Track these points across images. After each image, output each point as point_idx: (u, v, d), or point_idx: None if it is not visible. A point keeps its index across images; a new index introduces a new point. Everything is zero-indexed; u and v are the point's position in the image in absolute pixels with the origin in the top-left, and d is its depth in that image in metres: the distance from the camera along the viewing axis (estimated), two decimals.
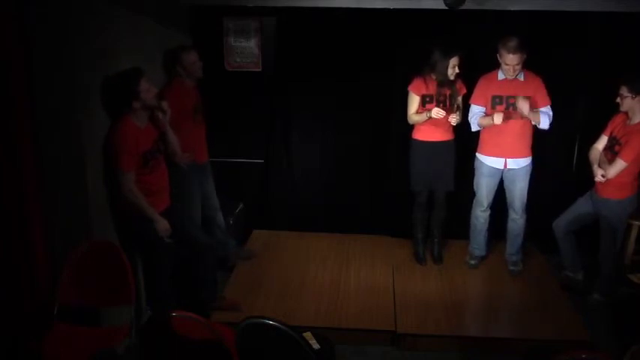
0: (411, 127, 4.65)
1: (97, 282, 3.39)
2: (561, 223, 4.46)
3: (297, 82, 5.14)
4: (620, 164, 4.04)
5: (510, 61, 4.20)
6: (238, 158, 5.35)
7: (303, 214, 5.45)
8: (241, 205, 5.22)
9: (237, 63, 5.17)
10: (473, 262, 4.88)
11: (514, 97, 4.33)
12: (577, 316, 4.19)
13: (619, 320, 4.20)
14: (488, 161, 4.55)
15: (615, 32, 4.66)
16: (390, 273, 4.78)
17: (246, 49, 5.13)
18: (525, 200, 4.58)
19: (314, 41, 5.00)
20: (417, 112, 4.51)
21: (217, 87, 4.96)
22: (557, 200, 4.69)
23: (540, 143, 4.55)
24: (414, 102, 4.52)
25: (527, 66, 4.33)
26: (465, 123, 4.53)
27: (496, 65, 4.36)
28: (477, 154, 4.62)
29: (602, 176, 4.10)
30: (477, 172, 4.65)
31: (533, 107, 4.32)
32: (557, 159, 4.89)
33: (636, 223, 4.61)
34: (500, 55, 4.26)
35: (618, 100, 4.05)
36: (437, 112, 4.30)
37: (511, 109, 4.36)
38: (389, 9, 4.52)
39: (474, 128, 4.54)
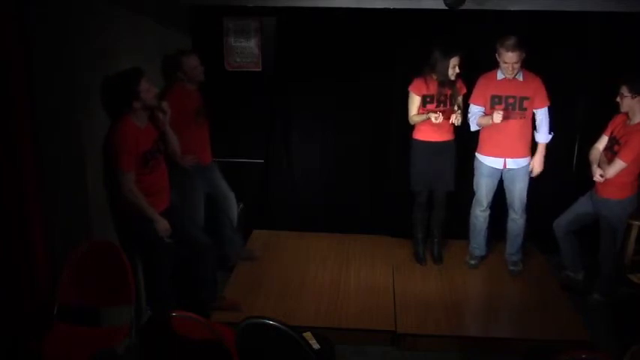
0: (411, 127, 4.65)
1: (97, 282, 3.39)
2: (562, 223, 4.46)
3: (297, 82, 5.14)
4: (619, 164, 4.04)
5: (509, 59, 4.20)
6: (238, 158, 5.35)
7: (303, 214, 5.45)
8: (241, 205, 5.22)
9: (237, 63, 5.17)
10: (473, 262, 4.88)
11: (513, 97, 4.34)
12: (577, 316, 4.19)
13: (619, 320, 4.20)
14: (488, 161, 4.55)
15: (615, 32, 4.66)
16: (390, 273, 4.78)
17: (246, 49, 5.13)
18: (525, 200, 4.58)
19: (314, 41, 5.00)
20: (418, 113, 4.51)
21: (217, 87, 4.96)
22: (557, 200, 4.69)
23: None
24: (414, 102, 4.52)
25: (526, 66, 4.33)
26: (465, 123, 4.53)
27: (496, 65, 4.36)
28: (477, 154, 4.62)
29: (601, 176, 4.11)
30: (476, 172, 4.66)
31: (532, 108, 4.34)
32: (557, 159, 4.89)
33: (636, 223, 4.61)
34: (498, 54, 4.26)
35: (618, 99, 4.05)
36: (435, 118, 4.30)
37: (510, 108, 4.36)
38: (389, 9, 4.52)
39: (473, 128, 4.54)
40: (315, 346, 2.94)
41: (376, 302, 4.35)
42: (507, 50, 4.18)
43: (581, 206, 4.40)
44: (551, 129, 4.43)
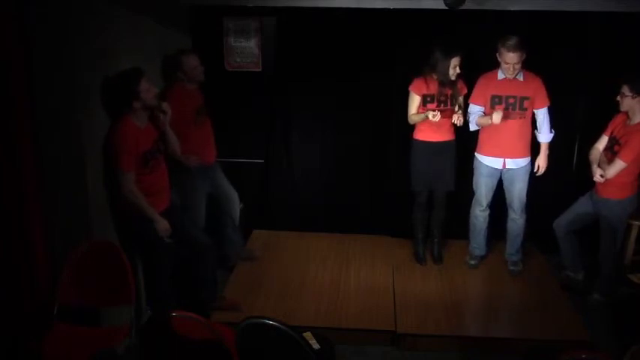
0: (411, 127, 4.65)
1: (97, 282, 3.39)
2: (562, 223, 4.46)
3: (297, 82, 5.14)
4: (619, 164, 4.04)
5: (510, 60, 4.20)
6: (238, 158, 5.34)
7: (303, 214, 5.45)
8: (241, 205, 5.22)
9: (237, 63, 5.17)
10: (473, 262, 4.88)
11: (514, 97, 4.34)
12: (577, 316, 4.19)
13: (619, 320, 4.20)
14: (487, 161, 4.55)
15: (615, 32, 4.66)
16: (390, 273, 4.78)
17: (246, 49, 5.13)
18: (525, 200, 4.58)
19: (314, 41, 5.00)
20: (418, 112, 4.51)
21: (217, 87, 4.95)
22: (557, 200, 4.69)
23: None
24: (414, 102, 4.52)
25: (527, 66, 4.33)
26: (465, 123, 4.53)
27: (496, 65, 4.36)
28: (476, 154, 4.62)
29: (601, 176, 4.11)
30: (475, 172, 4.66)
31: (532, 108, 4.34)
32: (557, 159, 4.88)
33: (636, 223, 4.61)
34: (499, 54, 4.26)
35: (619, 98, 4.05)
36: (433, 116, 4.29)
37: (510, 109, 4.36)
38: (389, 9, 4.52)
39: (473, 128, 4.54)
40: (315, 346, 2.94)
41: (376, 302, 4.35)
42: (509, 50, 4.18)
43: (581, 206, 4.40)
44: (552, 128, 4.43)
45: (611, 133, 4.20)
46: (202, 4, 4.75)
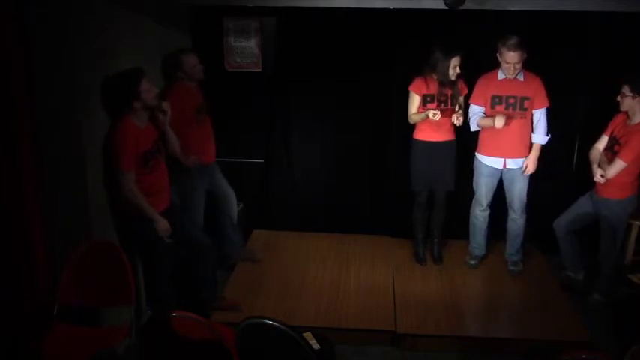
0: (411, 127, 4.65)
1: (97, 282, 3.39)
2: (562, 223, 4.46)
3: (297, 82, 5.14)
4: (619, 164, 4.04)
5: (510, 59, 4.20)
6: (238, 158, 5.35)
7: (303, 214, 5.45)
8: (241, 205, 5.22)
9: (237, 63, 5.17)
10: (473, 262, 4.88)
11: (514, 97, 4.34)
12: (577, 316, 4.19)
13: (619, 320, 4.20)
14: (487, 161, 4.55)
15: (615, 32, 4.66)
16: (390, 273, 4.78)
17: (246, 49, 5.14)
18: (525, 200, 4.58)
19: (314, 41, 5.00)
20: (418, 112, 4.51)
21: (217, 87, 4.96)
22: (557, 200, 4.68)
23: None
24: (414, 102, 4.52)
25: (527, 66, 4.33)
26: (465, 123, 4.53)
27: (496, 65, 4.36)
28: (476, 154, 4.62)
29: (601, 176, 4.11)
30: (476, 172, 4.66)
31: (531, 108, 4.34)
32: (557, 159, 4.89)
33: (636, 223, 4.61)
34: (500, 54, 4.26)
35: (619, 98, 4.05)
36: (433, 114, 4.30)
37: (510, 109, 4.36)
38: (389, 9, 4.52)
39: (473, 128, 4.54)
40: (315, 346, 2.94)
41: (376, 302, 4.35)
42: (509, 50, 4.18)
43: (581, 206, 4.40)
44: (551, 129, 4.42)
45: (611, 133, 4.20)
46: (202, 4, 4.75)
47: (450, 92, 4.47)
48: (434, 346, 3.99)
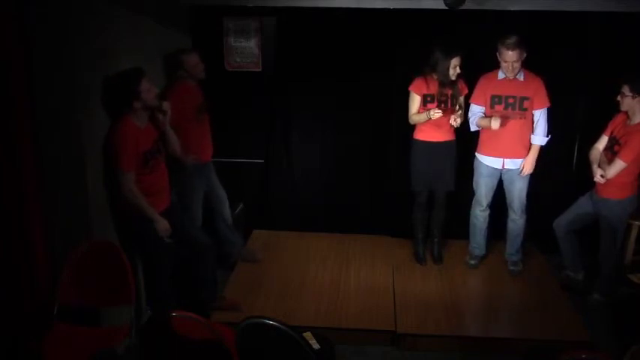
0: (411, 127, 4.65)
1: (97, 282, 3.39)
2: (562, 223, 4.46)
3: (297, 82, 5.14)
4: (619, 164, 4.04)
5: (509, 58, 4.20)
6: (238, 158, 5.35)
7: (303, 214, 5.45)
8: (241, 205, 5.22)
9: (237, 63, 5.17)
10: (473, 262, 4.88)
11: (513, 97, 4.34)
12: (577, 316, 4.19)
13: (619, 320, 4.20)
14: (487, 161, 4.55)
15: (615, 32, 4.66)
16: (390, 273, 4.78)
17: (246, 49, 5.14)
18: (525, 201, 4.58)
19: (314, 41, 5.00)
20: (418, 112, 4.51)
21: (217, 87, 4.96)
22: (557, 200, 4.69)
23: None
24: (415, 102, 4.52)
25: (527, 66, 4.33)
26: (465, 123, 4.54)
27: (496, 65, 4.36)
28: (476, 154, 4.63)
29: (602, 176, 4.11)
30: (475, 172, 4.66)
31: (531, 109, 4.34)
32: (557, 159, 4.89)
33: (636, 223, 4.61)
34: (499, 53, 4.26)
35: (619, 98, 4.05)
36: (434, 113, 4.30)
37: (510, 109, 4.36)
38: (389, 9, 4.52)
39: (473, 128, 4.55)
40: (315, 346, 2.94)
41: (376, 302, 4.35)
42: (507, 49, 4.18)
43: (581, 206, 4.40)
44: (551, 129, 4.42)
45: (611, 133, 4.20)
46: (202, 4, 4.76)
47: (450, 92, 4.47)
48: (434, 346, 3.99)
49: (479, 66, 4.50)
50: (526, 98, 4.34)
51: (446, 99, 4.47)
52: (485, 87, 4.45)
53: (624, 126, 4.11)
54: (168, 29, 4.54)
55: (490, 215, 4.74)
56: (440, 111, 4.31)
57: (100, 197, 3.63)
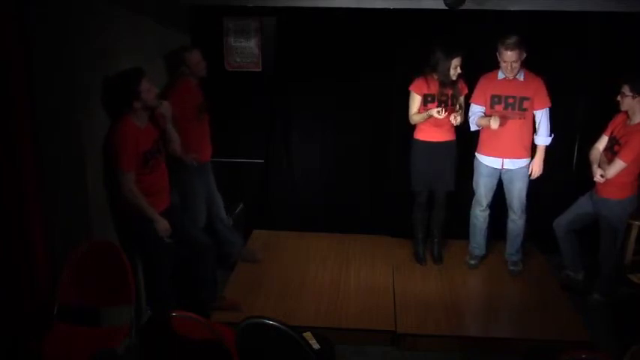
0: (411, 127, 4.65)
1: (97, 282, 3.39)
2: (562, 223, 4.46)
3: (297, 82, 5.14)
4: (619, 164, 4.04)
5: (508, 58, 4.20)
6: (238, 158, 5.35)
7: (303, 214, 5.45)
8: (241, 205, 5.22)
9: (237, 63, 5.17)
10: (473, 262, 4.88)
11: (513, 97, 4.34)
12: (577, 316, 4.19)
13: (619, 320, 4.20)
14: (487, 161, 4.55)
15: (615, 32, 4.66)
16: (390, 273, 4.78)
17: (246, 49, 5.14)
18: (524, 201, 4.58)
19: (314, 41, 5.00)
20: (419, 112, 4.51)
21: (217, 87, 4.96)
22: (557, 200, 4.69)
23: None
24: (415, 102, 4.52)
25: (527, 66, 4.33)
26: (465, 123, 4.54)
27: (497, 65, 4.36)
28: (476, 154, 4.63)
29: (601, 176, 4.11)
30: (475, 172, 4.66)
31: (531, 109, 4.34)
32: (557, 159, 4.89)
33: (636, 223, 4.61)
34: (498, 53, 4.27)
35: (619, 98, 4.05)
36: (438, 112, 4.30)
37: (510, 109, 4.36)
38: (389, 9, 4.52)
39: (473, 128, 4.55)
40: (315, 346, 2.94)
41: (376, 302, 4.35)
42: (507, 49, 4.18)
43: (581, 206, 4.40)
44: (552, 129, 4.42)
45: (611, 133, 4.20)
46: (202, 4, 4.76)
47: (450, 92, 4.47)
48: (434, 346, 3.99)
49: (479, 66, 4.50)
50: (526, 98, 4.34)
51: (446, 99, 4.47)
52: (485, 87, 4.45)
53: (624, 126, 4.11)
54: (168, 29, 4.54)
55: (490, 215, 4.74)
56: (442, 110, 4.31)
57: (100, 197, 3.63)
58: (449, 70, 4.33)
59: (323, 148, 5.32)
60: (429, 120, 4.44)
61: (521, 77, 4.35)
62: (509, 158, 4.47)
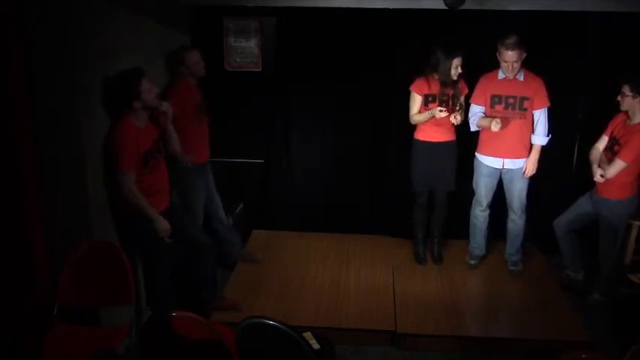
0: (411, 127, 4.65)
1: (97, 282, 3.39)
2: (562, 223, 4.46)
3: (297, 82, 5.14)
4: (619, 164, 4.04)
5: (508, 58, 4.20)
6: (238, 158, 5.35)
7: (303, 214, 5.45)
8: (241, 205, 5.22)
9: (237, 63, 5.17)
10: (473, 262, 4.88)
11: (513, 97, 4.34)
12: (577, 316, 4.19)
13: (619, 320, 4.20)
14: (487, 161, 4.55)
15: (615, 32, 4.66)
16: (390, 273, 4.78)
17: (246, 49, 5.14)
18: (524, 201, 4.58)
19: (314, 41, 5.00)
20: (419, 112, 4.51)
21: (217, 87, 4.96)
22: (557, 200, 4.69)
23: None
24: (416, 102, 4.52)
25: (527, 66, 4.33)
26: (465, 123, 4.54)
27: (497, 65, 4.36)
28: (476, 154, 4.63)
29: (601, 176, 4.11)
30: (476, 172, 4.66)
31: (531, 109, 4.34)
32: (557, 159, 4.89)
33: (636, 223, 4.61)
34: (498, 53, 4.27)
35: (619, 98, 4.05)
36: (439, 112, 4.30)
37: (510, 109, 4.36)
38: (389, 9, 4.52)
39: (473, 128, 4.55)
40: (315, 346, 2.94)
41: (376, 302, 4.35)
42: (507, 49, 4.18)
43: (581, 206, 4.40)
44: (551, 129, 4.42)
45: (611, 133, 4.20)
46: (202, 4, 4.76)
47: (451, 92, 4.47)
48: (434, 346, 3.99)
49: (479, 66, 4.50)
50: (526, 98, 4.34)
51: (447, 99, 4.47)
52: (485, 87, 4.45)
53: (624, 126, 4.11)
54: (168, 29, 4.54)
55: (490, 215, 4.74)
56: (445, 109, 4.31)
57: (100, 197, 3.63)
58: (450, 70, 4.33)
59: (323, 148, 5.32)
60: (429, 120, 4.44)
61: (521, 77, 4.35)
62: (510, 158, 4.47)
